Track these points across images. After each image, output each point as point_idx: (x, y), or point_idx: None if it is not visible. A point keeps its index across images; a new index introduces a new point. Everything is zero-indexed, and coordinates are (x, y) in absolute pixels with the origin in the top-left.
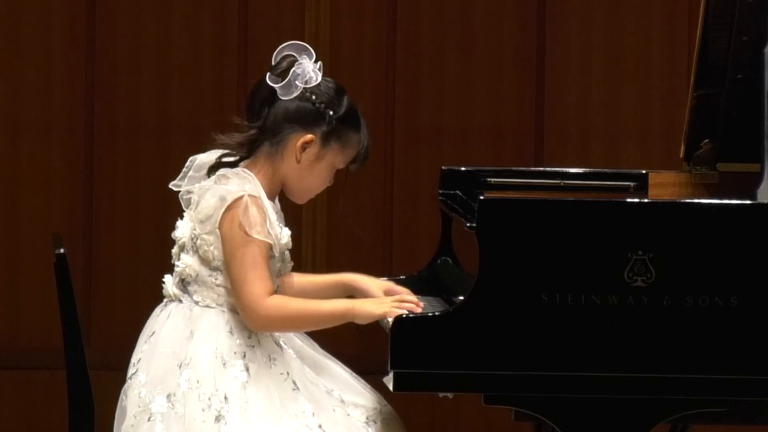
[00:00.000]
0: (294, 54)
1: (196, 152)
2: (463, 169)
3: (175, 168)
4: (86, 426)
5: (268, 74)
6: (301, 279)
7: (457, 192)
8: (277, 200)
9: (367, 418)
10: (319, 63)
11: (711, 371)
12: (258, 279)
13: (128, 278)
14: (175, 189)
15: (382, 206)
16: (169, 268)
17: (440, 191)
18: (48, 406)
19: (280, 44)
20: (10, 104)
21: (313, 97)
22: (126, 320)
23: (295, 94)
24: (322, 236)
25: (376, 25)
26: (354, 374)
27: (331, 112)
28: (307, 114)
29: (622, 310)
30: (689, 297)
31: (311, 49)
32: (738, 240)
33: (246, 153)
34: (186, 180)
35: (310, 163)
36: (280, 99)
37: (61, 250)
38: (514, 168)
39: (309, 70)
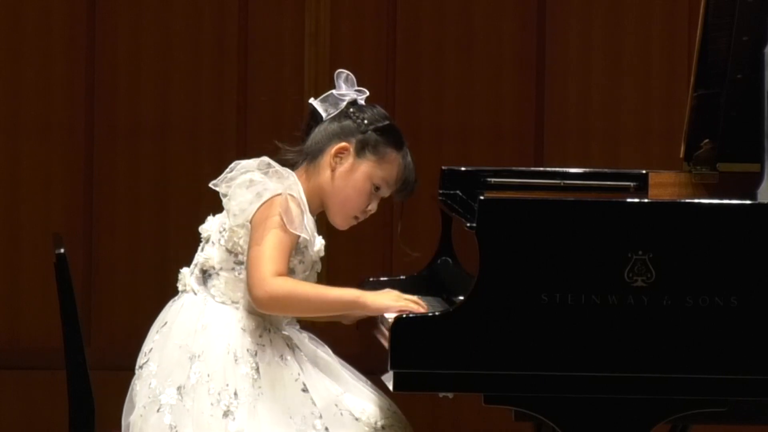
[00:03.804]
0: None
1: (196, 152)
2: (463, 169)
3: (176, 168)
4: (86, 426)
5: (312, 98)
6: None
7: (457, 192)
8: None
9: (375, 423)
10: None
11: (711, 371)
12: (272, 259)
13: (128, 278)
14: (212, 187)
15: (382, 206)
16: (170, 269)
17: (440, 191)
18: (48, 406)
19: (280, 44)
20: (10, 104)
21: (352, 110)
22: (126, 320)
23: (335, 111)
24: (323, 236)
25: (376, 25)
26: (367, 381)
27: (366, 121)
28: (344, 126)
29: (622, 310)
30: (689, 297)
31: (352, 76)
32: (738, 240)
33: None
34: (224, 182)
35: (345, 174)
36: (322, 117)
37: (61, 250)
38: (514, 168)
39: (349, 89)
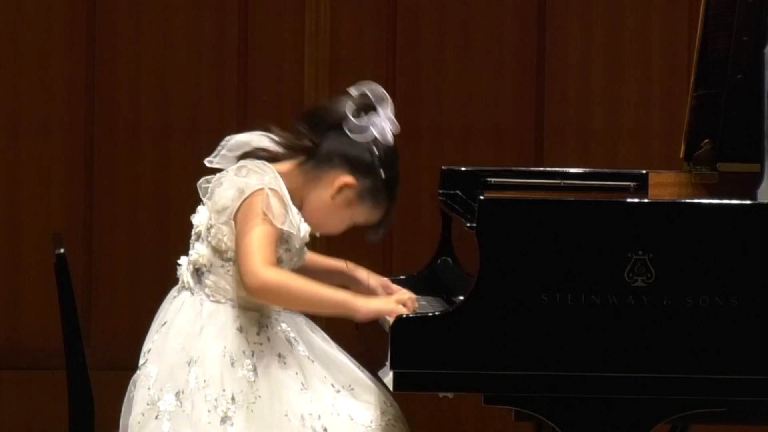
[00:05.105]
0: (372, 97)
1: (196, 152)
2: (463, 169)
3: (176, 168)
4: (86, 426)
5: (348, 102)
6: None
7: (457, 192)
8: None
9: (371, 422)
10: (394, 120)
11: (711, 371)
12: (262, 248)
13: (128, 278)
14: (207, 165)
15: None
16: (170, 269)
17: (440, 191)
18: (48, 406)
19: (280, 44)
20: (10, 105)
21: (375, 150)
22: (126, 320)
23: (362, 138)
24: (323, 235)
25: (376, 25)
26: (365, 370)
27: (382, 172)
28: (362, 162)
29: (622, 310)
30: (689, 297)
31: (388, 97)
32: (738, 240)
33: (286, 156)
34: (218, 157)
35: (339, 208)
36: (345, 132)
37: (61, 250)
38: (514, 168)
39: (387, 129)
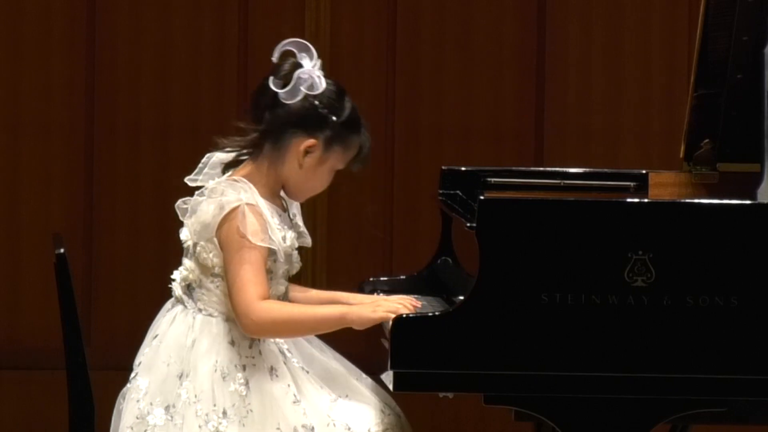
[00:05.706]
0: (295, 51)
1: (196, 152)
2: (463, 169)
3: (176, 168)
4: (86, 426)
5: (271, 78)
6: (296, 293)
7: (457, 192)
8: (287, 199)
9: (368, 429)
10: (320, 62)
11: (711, 371)
12: (251, 283)
13: (128, 278)
14: (190, 184)
15: (382, 206)
16: (170, 269)
17: (440, 191)
18: (48, 406)
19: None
20: (10, 104)
21: (316, 102)
22: (126, 320)
23: (298, 99)
24: (323, 236)
25: (376, 25)
26: (363, 377)
27: (333, 117)
28: (310, 118)
29: (622, 310)
30: (689, 297)
31: (312, 47)
32: (738, 240)
33: (250, 154)
34: (201, 176)
35: (313, 167)
36: (283, 102)
37: (61, 250)
38: (514, 168)
39: (314, 76)
